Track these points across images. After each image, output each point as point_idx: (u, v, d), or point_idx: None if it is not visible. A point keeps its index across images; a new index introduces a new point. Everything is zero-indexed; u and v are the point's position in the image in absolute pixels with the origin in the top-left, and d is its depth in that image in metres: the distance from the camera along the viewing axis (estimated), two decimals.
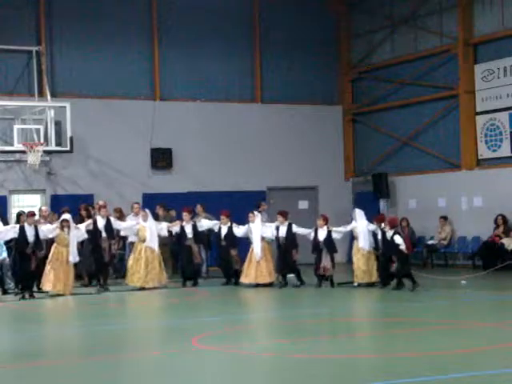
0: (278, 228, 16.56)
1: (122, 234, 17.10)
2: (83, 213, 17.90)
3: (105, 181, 20.74)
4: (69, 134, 18.78)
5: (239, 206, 20.28)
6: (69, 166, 20.34)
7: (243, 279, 16.66)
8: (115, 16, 21.22)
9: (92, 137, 20.49)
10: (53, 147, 18.79)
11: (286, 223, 16.60)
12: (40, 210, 18.01)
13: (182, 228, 17.11)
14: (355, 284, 16.21)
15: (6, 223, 16.85)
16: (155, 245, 16.56)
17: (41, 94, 20.11)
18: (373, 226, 16.04)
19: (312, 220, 22.31)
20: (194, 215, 17.88)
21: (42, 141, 18.37)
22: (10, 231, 15.54)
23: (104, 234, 16.36)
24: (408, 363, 8.63)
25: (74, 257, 15.72)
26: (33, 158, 18.18)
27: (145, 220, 16.67)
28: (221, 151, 22.06)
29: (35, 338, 11.20)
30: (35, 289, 15.72)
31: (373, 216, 16.54)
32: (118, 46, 21.22)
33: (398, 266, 15.27)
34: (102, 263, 16.37)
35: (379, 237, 15.71)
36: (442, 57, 21.45)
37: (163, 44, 21.73)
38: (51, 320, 13.63)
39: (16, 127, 18.44)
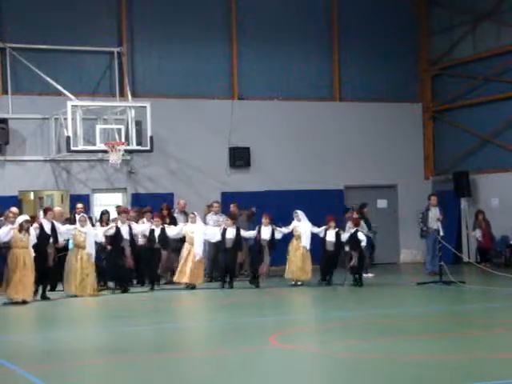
0: (225, 230, 16.81)
1: (60, 238, 15.97)
2: (164, 212, 18.11)
3: (184, 180, 20.96)
4: (149, 134, 19.03)
5: (316, 204, 20.24)
6: (149, 165, 20.64)
7: (176, 278, 16.58)
8: (194, 16, 21.41)
9: (171, 136, 20.74)
10: (133, 147, 19.07)
11: (234, 226, 16.89)
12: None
13: (118, 230, 16.37)
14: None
15: (90, 221, 17.19)
16: (93, 251, 15.94)
17: (122, 94, 20.46)
18: (317, 229, 16.80)
19: (391, 219, 22.28)
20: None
21: (123, 140, 18.67)
22: None
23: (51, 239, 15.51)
24: (487, 365, 8.44)
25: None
26: (114, 158, 18.46)
27: (83, 225, 15.94)
28: (299, 150, 22.02)
29: (119, 334, 11.40)
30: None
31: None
32: (196, 45, 21.40)
33: (356, 262, 16.34)
34: (46, 269, 15.36)
35: (331, 238, 16.62)
36: None
37: (241, 43, 21.81)
38: (128, 316, 13.81)
39: (98, 127, 18.79)
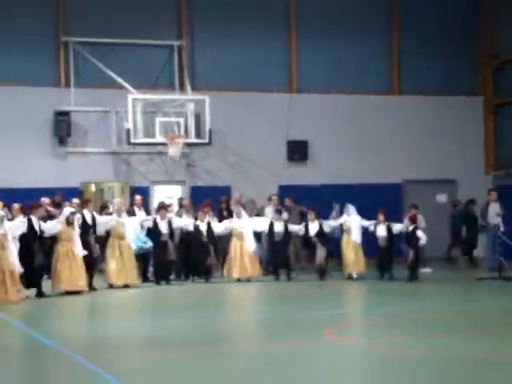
0: (272, 224, 16.95)
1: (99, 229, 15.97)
2: (223, 205, 18.25)
3: (242, 172, 21.07)
4: (208, 127, 19.21)
5: (375, 199, 20.11)
6: (207, 157, 20.81)
7: (230, 274, 16.71)
8: (253, 8, 21.49)
9: (230, 129, 20.85)
10: (192, 139, 19.29)
11: (282, 220, 17.14)
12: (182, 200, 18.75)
13: (156, 224, 16.48)
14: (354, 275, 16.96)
15: (148, 213, 17.49)
16: (131, 241, 16.13)
17: (181, 87, 20.67)
18: (367, 222, 16.90)
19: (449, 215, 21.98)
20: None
21: (182, 133, 18.88)
22: (20, 225, 14.43)
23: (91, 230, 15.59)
24: None
25: (81, 250, 15.04)
26: (173, 150, 18.70)
27: (120, 215, 16.09)
28: (357, 144, 21.93)
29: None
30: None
31: None
32: (255, 38, 21.48)
33: (414, 259, 16.29)
34: (91, 259, 15.52)
35: (382, 232, 16.67)
36: None
37: (301, 36, 21.80)
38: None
39: (158, 120, 19.04)
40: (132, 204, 18.12)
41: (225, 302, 14.88)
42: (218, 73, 21.14)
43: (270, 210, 18.46)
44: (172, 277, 16.79)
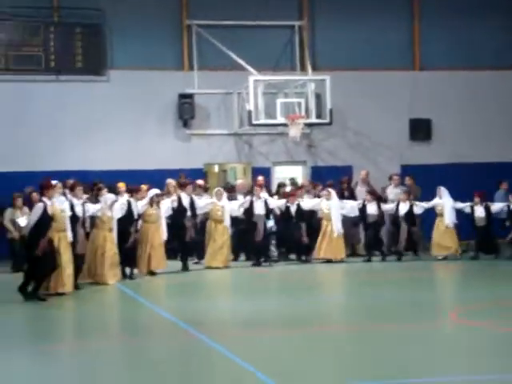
0: (364, 206, 16.82)
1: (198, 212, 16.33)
2: (344, 186, 18.22)
3: (363, 152, 20.92)
4: (328, 107, 19.16)
5: (498, 178, 19.55)
6: (328, 138, 20.77)
7: (317, 255, 16.66)
8: None
9: (350, 108, 20.71)
10: (313, 120, 19.29)
11: (375, 202, 16.98)
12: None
13: (252, 204, 16.51)
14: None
15: (269, 193, 17.67)
16: (228, 224, 16.25)
17: (302, 67, 20.68)
18: (460, 204, 16.85)
19: None
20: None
21: (303, 114, 18.91)
22: (121, 208, 14.64)
23: (189, 213, 15.89)
24: None
25: (164, 232, 15.32)
26: (294, 131, 18.77)
27: (219, 199, 16.28)
28: (482, 122, 21.33)
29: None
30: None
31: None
32: (377, 16, 21.17)
33: None
34: (185, 242, 15.92)
35: (480, 213, 16.70)
36: None
37: (423, 13, 21.36)
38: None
39: (279, 101, 19.13)
40: (254, 185, 18.34)
41: (326, 283, 14.95)
42: (338, 52, 21.00)
43: (391, 190, 18.28)
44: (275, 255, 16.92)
